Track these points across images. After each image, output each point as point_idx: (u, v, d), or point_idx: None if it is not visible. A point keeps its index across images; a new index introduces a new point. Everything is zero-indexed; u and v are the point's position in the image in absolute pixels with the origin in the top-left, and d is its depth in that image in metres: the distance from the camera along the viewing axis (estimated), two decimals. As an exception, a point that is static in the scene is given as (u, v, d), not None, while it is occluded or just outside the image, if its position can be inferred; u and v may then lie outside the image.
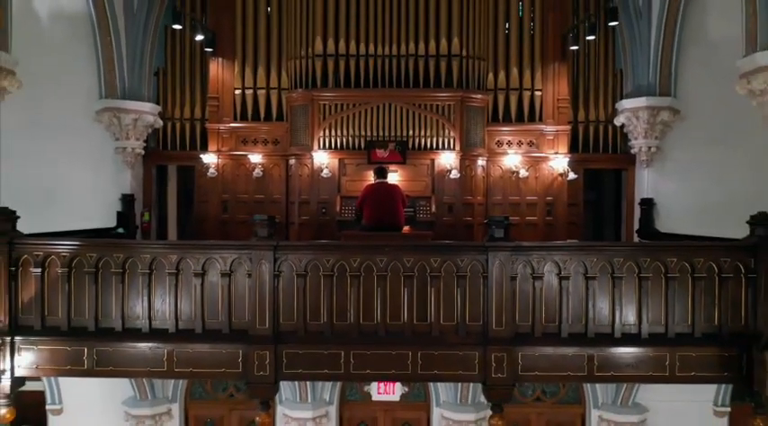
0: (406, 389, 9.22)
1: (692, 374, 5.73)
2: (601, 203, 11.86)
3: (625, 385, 8.70)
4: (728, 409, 8.79)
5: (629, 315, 5.82)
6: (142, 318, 5.88)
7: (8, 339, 5.70)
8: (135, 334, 5.87)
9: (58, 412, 9.14)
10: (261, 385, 5.77)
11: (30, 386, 11.21)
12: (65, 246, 5.87)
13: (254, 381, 5.77)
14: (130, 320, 5.90)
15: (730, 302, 5.72)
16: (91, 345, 5.82)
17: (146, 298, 5.87)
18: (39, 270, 5.77)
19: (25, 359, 5.79)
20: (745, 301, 5.72)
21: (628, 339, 5.79)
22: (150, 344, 5.85)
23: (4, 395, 5.71)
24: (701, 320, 5.77)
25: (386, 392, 8.98)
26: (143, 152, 9.45)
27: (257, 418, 5.91)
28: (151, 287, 5.90)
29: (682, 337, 5.77)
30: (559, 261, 5.77)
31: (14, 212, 5.85)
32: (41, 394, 11.05)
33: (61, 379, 8.91)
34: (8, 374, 5.69)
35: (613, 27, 9.31)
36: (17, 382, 5.84)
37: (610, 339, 5.79)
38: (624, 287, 5.81)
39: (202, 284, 5.84)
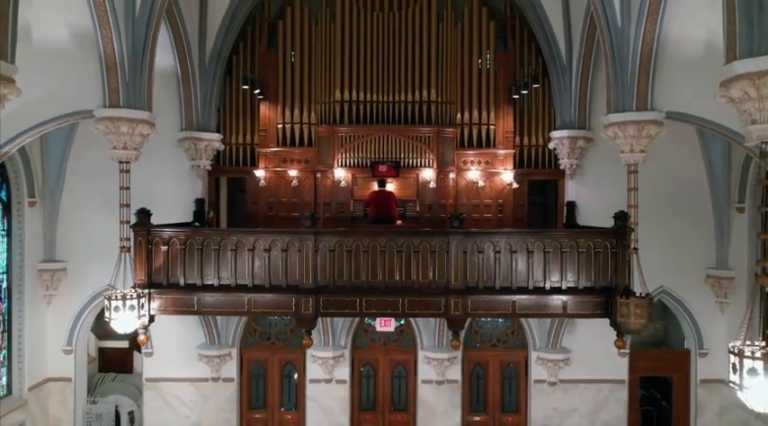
0: (398, 324, 10.37)
1: (578, 312, 7.46)
2: (547, 205, 12.47)
3: (553, 332, 10.07)
4: (628, 351, 9.96)
5: (538, 275, 7.51)
6: (230, 278, 7.56)
7: (146, 291, 7.36)
8: (226, 288, 7.55)
9: (150, 354, 10.39)
10: (306, 320, 7.49)
11: (115, 344, 13.13)
12: (181, 232, 7.56)
13: (302, 317, 7.48)
14: (223, 279, 7.56)
15: (601, 267, 7.44)
16: (198, 295, 7.50)
17: (233, 265, 7.54)
18: (165, 247, 7.49)
19: (156, 304, 7.49)
20: (610, 266, 7.42)
21: (537, 290, 7.50)
22: (236, 294, 7.50)
23: (143, 327, 7.35)
24: (583, 278, 7.47)
25: (385, 325, 10.18)
26: (210, 168, 10.44)
27: (304, 341, 7.61)
28: (236, 258, 7.53)
29: (571, 289, 7.48)
30: (494, 242, 7.50)
31: (149, 211, 7.51)
32: (124, 350, 12.77)
33: (153, 332, 9.74)
34: (147, 313, 7.33)
35: (548, 77, 10.50)
36: (151, 319, 7.51)
37: (526, 290, 7.50)
38: (535, 257, 7.50)
39: (269, 256, 7.53)
